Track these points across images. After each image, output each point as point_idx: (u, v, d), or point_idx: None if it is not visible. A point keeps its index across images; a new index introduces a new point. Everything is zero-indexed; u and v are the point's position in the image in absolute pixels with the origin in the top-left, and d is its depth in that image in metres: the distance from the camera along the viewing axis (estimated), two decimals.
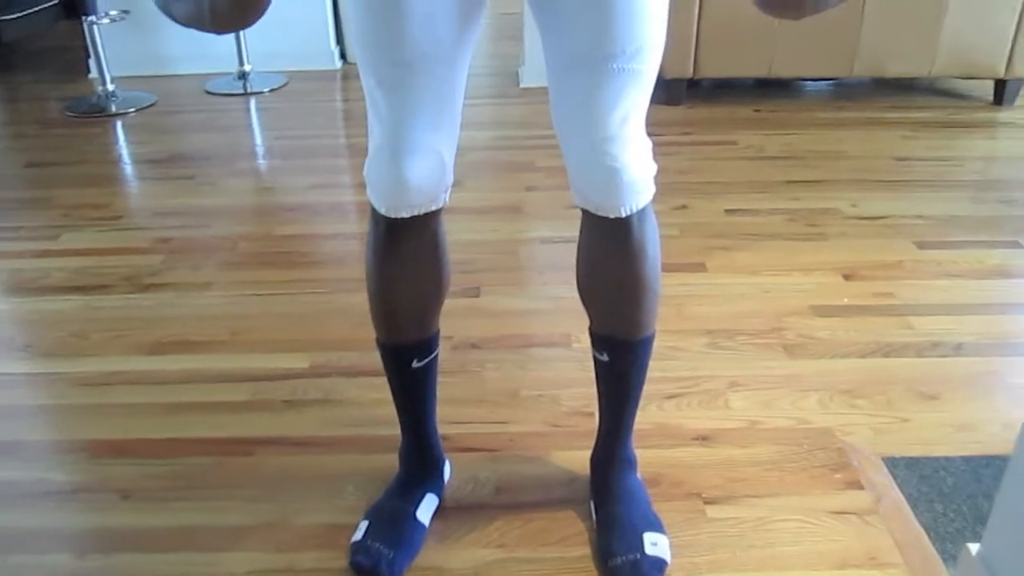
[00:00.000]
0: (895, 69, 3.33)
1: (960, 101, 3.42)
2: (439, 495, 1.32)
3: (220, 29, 0.87)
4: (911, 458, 1.42)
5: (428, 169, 1.03)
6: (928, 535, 1.27)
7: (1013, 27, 3.24)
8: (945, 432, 1.49)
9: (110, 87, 3.61)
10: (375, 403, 1.57)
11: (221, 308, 1.94)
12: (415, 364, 1.21)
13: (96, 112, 3.51)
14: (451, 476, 1.38)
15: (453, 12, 0.98)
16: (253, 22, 0.87)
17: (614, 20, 0.94)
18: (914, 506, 1.32)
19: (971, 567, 1.12)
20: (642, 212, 1.06)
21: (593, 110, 0.99)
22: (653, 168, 1.05)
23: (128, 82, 3.76)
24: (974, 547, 1.13)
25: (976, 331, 1.79)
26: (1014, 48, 3.27)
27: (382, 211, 1.07)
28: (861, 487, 1.35)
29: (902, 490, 1.35)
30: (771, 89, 3.54)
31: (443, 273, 1.17)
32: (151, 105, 3.59)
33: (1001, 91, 3.39)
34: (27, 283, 2.08)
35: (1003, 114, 3.29)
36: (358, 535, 1.24)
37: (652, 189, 1.06)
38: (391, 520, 1.25)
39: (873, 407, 1.55)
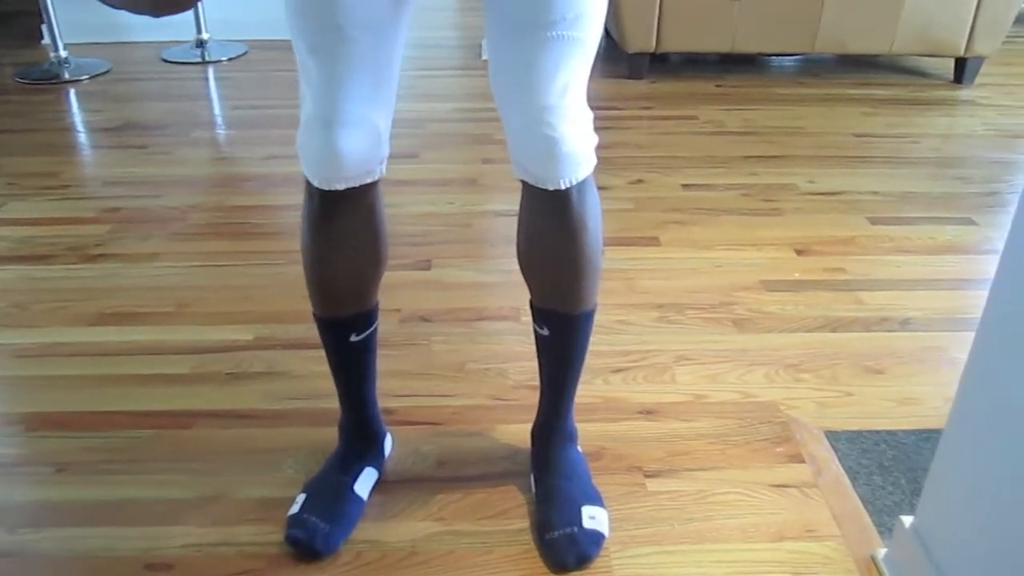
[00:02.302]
0: (856, 46, 3.33)
1: (921, 79, 3.44)
2: (379, 469, 1.31)
3: (157, 11, 0.84)
4: (853, 432, 1.43)
5: (362, 140, 1.01)
6: (866, 508, 1.27)
7: (973, 6, 3.26)
8: (888, 406, 1.50)
9: (63, 54, 3.52)
10: (319, 376, 1.55)
11: (168, 279, 1.91)
12: (353, 338, 1.19)
13: (48, 79, 3.43)
14: (393, 450, 1.36)
15: None
16: (192, 4, 0.84)
17: None
18: (854, 479, 1.33)
19: (904, 539, 1.13)
20: (582, 184, 1.04)
21: (532, 79, 0.96)
22: (594, 140, 1.03)
23: (82, 49, 3.67)
24: (907, 519, 1.14)
25: (924, 306, 1.80)
26: (974, 27, 3.29)
27: (316, 183, 1.05)
28: (802, 460, 1.36)
29: (843, 463, 1.36)
30: (733, 65, 3.54)
31: (380, 246, 1.15)
32: (105, 72, 3.51)
33: (961, 69, 3.41)
34: None
35: (963, 92, 3.30)
36: (295, 509, 1.22)
37: (593, 161, 1.04)
38: (329, 494, 1.23)
39: (818, 381, 1.55)
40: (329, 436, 1.35)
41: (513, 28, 0.96)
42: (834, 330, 1.71)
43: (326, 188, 1.05)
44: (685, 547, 1.20)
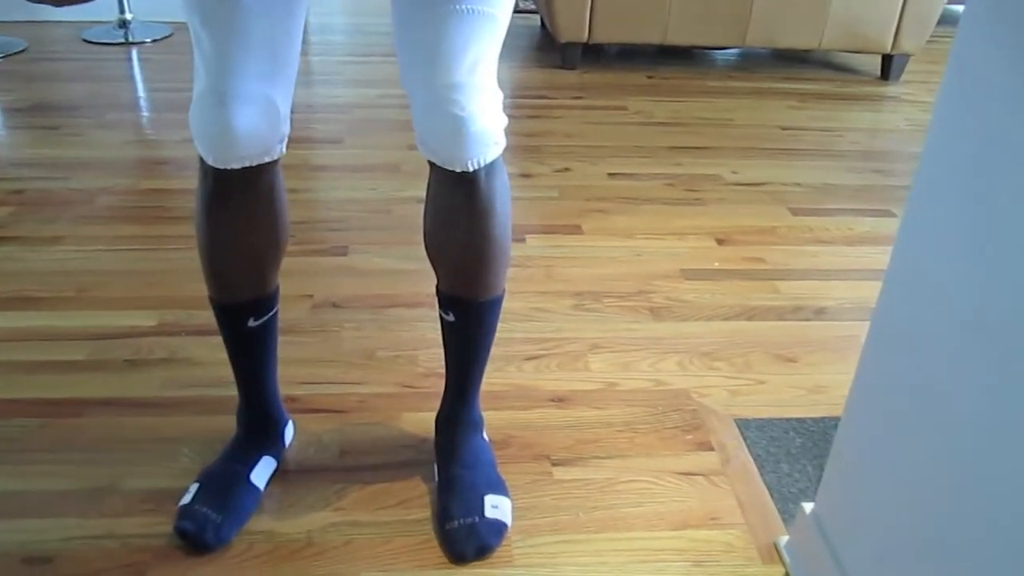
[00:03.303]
0: (786, 40, 3.36)
1: (849, 75, 3.49)
2: (277, 458, 1.26)
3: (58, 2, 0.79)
4: (763, 419, 1.43)
5: (258, 117, 0.96)
6: (771, 495, 1.27)
7: (899, 4, 3.31)
8: (798, 394, 1.50)
9: None
10: (223, 363, 1.46)
11: (70, 264, 1.83)
12: (251, 323, 1.15)
13: None
14: (293, 438, 1.32)
15: None
16: None
17: None
18: (761, 467, 1.33)
19: (804, 525, 1.12)
20: (491, 166, 1.01)
21: (439, 54, 0.93)
22: (503, 121, 1.00)
23: None
24: (808, 506, 1.14)
25: (839, 296, 1.81)
26: (900, 25, 3.35)
27: (209, 162, 1.00)
28: (711, 448, 1.35)
29: (751, 451, 1.36)
30: (668, 57, 3.54)
31: (279, 228, 1.10)
32: (20, 51, 3.37)
33: (888, 66, 3.47)
34: None
35: (889, 88, 3.36)
36: (186, 499, 1.17)
37: (502, 143, 1.01)
38: (222, 483, 1.19)
39: (731, 369, 1.55)
40: (229, 424, 1.30)
41: (419, 0, 0.92)
42: (750, 319, 1.71)
43: (220, 167, 1.00)
44: (587, 535, 1.18)
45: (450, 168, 1.00)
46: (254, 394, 1.24)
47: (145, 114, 2.78)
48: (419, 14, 0.93)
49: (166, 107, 2.83)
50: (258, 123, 0.97)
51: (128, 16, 3.68)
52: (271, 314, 1.18)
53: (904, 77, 3.47)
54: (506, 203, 1.07)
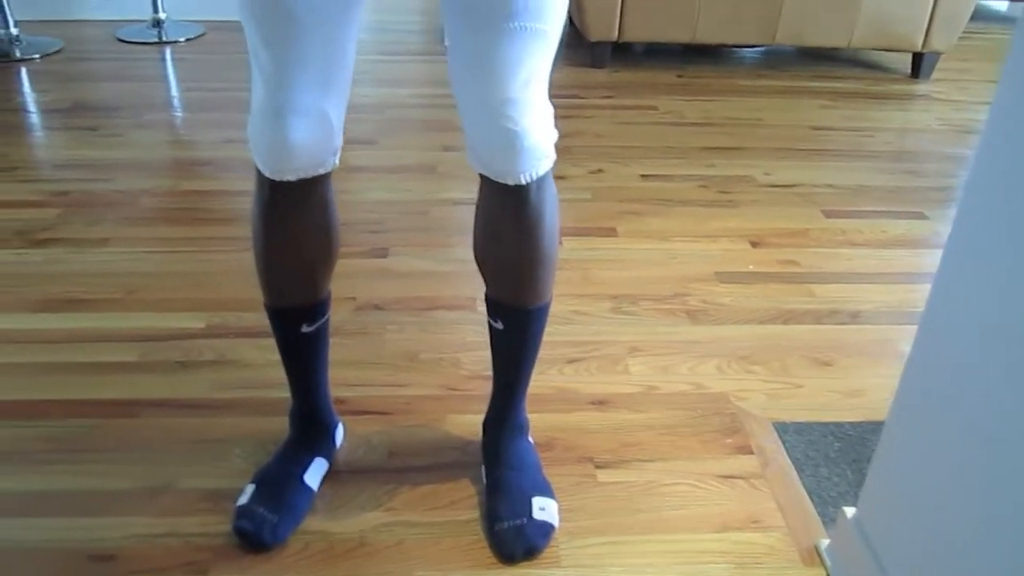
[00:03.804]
0: (816, 39, 3.36)
1: (879, 73, 3.48)
2: (329, 459, 1.30)
3: None
4: (801, 423, 1.45)
5: (313, 131, 0.99)
6: (811, 499, 1.29)
7: (931, 2, 3.30)
8: (836, 398, 1.52)
9: (14, 31, 3.43)
10: (271, 364, 1.53)
11: (117, 265, 1.87)
12: (304, 329, 1.18)
13: None
14: (344, 440, 1.36)
15: None
16: None
17: None
18: (800, 470, 1.35)
19: (846, 530, 1.14)
20: (541, 180, 1.04)
21: (493, 71, 0.95)
22: (554, 135, 1.02)
23: (35, 27, 3.58)
24: (850, 511, 1.16)
25: (874, 299, 1.83)
26: (931, 22, 3.33)
27: (266, 173, 1.03)
28: (751, 452, 1.38)
29: (790, 455, 1.38)
30: (696, 55, 3.55)
31: (332, 237, 1.13)
32: (58, 51, 3.43)
33: (918, 64, 3.46)
34: None
35: (919, 86, 3.35)
36: (243, 499, 1.21)
37: (552, 156, 1.03)
38: (278, 484, 1.22)
39: (769, 373, 1.57)
40: (280, 426, 1.34)
41: (473, 18, 0.94)
42: (785, 322, 1.73)
43: (277, 179, 1.03)
44: (632, 537, 1.21)
45: (502, 181, 1.02)
46: (307, 397, 1.27)
47: (181, 114, 2.83)
48: (473, 33, 0.95)
49: (201, 107, 2.87)
50: (313, 136, 1.00)
51: (162, 16, 3.73)
52: (323, 319, 1.21)
53: (935, 75, 3.46)
54: (554, 214, 1.09)
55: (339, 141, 1.06)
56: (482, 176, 1.05)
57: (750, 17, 3.29)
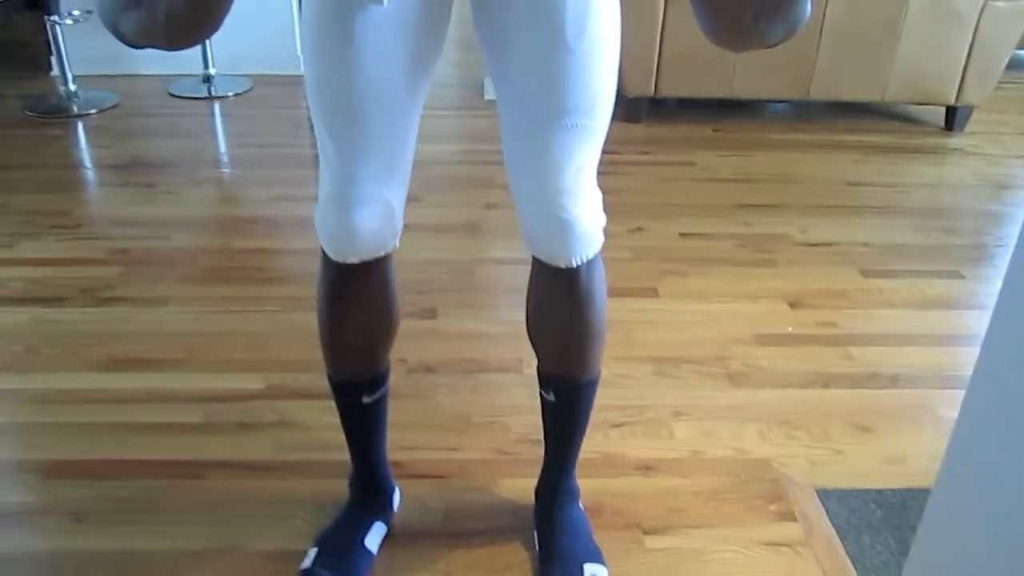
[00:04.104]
0: (850, 94, 3.42)
1: (912, 125, 3.52)
2: (387, 523, 1.36)
3: (174, 44, 0.86)
4: (843, 490, 1.48)
5: (377, 219, 1.06)
6: (855, 566, 1.33)
7: (964, 56, 3.34)
8: (876, 464, 1.55)
9: (72, 87, 3.58)
10: (328, 427, 1.58)
11: (177, 325, 1.96)
12: (365, 399, 1.25)
13: (57, 113, 3.48)
14: (400, 503, 1.41)
15: (403, 66, 1.00)
16: (208, 35, 0.87)
17: (568, 76, 0.98)
18: (843, 538, 1.38)
19: None
20: (591, 261, 1.10)
21: (547, 164, 1.02)
22: (603, 219, 1.09)
23: (90, 81, 3.73)
24: None
25: (912, 363, 1.86)
26: (965, 76, 3.38)
27: (331, 256, 1.10)
28: (794, 518, 1.41)
29: (832, 522, 1.41)
30: (731, 109, 3.61)
31: (392, 313, 1.20)
32: (113, 106, 3.57)
33: (952, 117, 3.50)
34: None
35: (953, 140, 3.39)
36: (306, 563, 1.27)
37: (601, 239, 1.10)
38: (339, 548, 1.28)
39: (810, 438, 1.61)
40: (339, 488, 1.40)
41: (528, 116, 1.02)
42: (825, 386, 1.77)
43: (341, 261, 1.10)
44: None
45: (554, 264, 1.09)
46: (366, 464, 1.33)
47: (232, 171, 2.94)
48: (528, 129, 1.02)
49: (251, 164, 2.98)
50: (376, 224, 1.08)
51: (212, 71, 3.88)
52: (383, 390, 1.28)
53: (969, 127, 3.49)
54: (603, 292, 1.15)
55: (400, 224, 1.13)
56: (534, 258, 1.12)
57: (785, 72, 3.35)
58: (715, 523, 1.40)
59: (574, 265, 1.08)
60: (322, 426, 1.60)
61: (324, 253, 1.13)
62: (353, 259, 1.10)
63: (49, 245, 2.34)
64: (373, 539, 1.31)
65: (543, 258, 1.10)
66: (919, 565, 1.16)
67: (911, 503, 1.45)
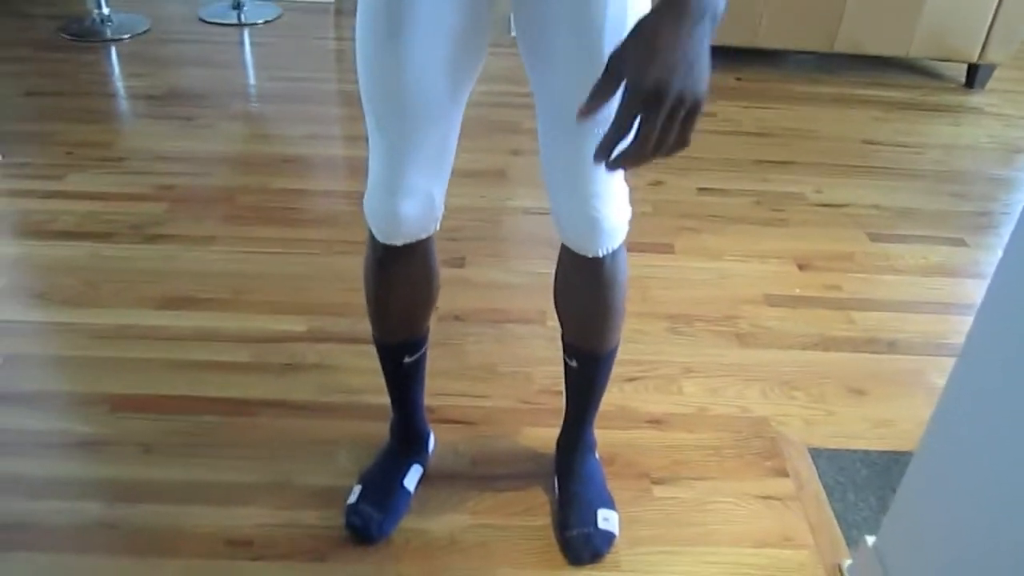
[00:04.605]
0: (873, 48, 3.45)
1: (934, 81, 3.56)
2: (423, 465, 1.51)
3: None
4: (833, 450, 1.63)
5: (420, 208, 1.18)
6: (839, 521, 1.48)
7: (990, 14, 3.36)
8: (866, 427, 1.70)
9: (105, 11, 3.63)
10: (368, 371, 1.72)
11: (222, 265, 2.09)
12: (406, 360, 1.38)
13: (91, 37, 3.54)
14: (435, 447, 1.57)
15: (448, 65, 1.07)
16: None
17: None
18: (830, 494, 1.54)
19: (866, 556, 1.33)
20: (616, 249, 1.22)
21: (581, 168, 1.11)
22: (629, 213, 1.20)
23: (120, 3, 3.77)
24: (871, 539, 1.34)
25: (910, 329, 1.99)
26: (989, 35, 3.40)
27: (378, 238, 1.22)
28: (787, 475, 1.57)
29: (822, 479, 1.57)
30: (755, 57, 3.64)
31: (432, 286, 1.33)
32: (145, 31, 3.63)
33: (973, 75, 3.53)
34: (38, 226, 2.21)
35: (973, 98, 3.44)
36: (352, 498, 1.43)
37: (625, 231, 1.21)
38: (381, 487, 1.44)
39: (807, 399, 1.75)
40: (378, 430, 1.56)
41: (565, 122, 1.10)
42: (826, 349, 1.90)
43: (386, 242, 1.22)
44: (682, 548, 1.41)
45: (582, 254, 1.20)
46: (406, 413, 1.48)
47: (266, 106, 3.03)
48: (563, 134, 1.10)
49: (284, 98, 3.06)
50: (420, 212, 1.19)
51: None
52: (422, 351, 1.42)
53: (989, 85, 3.53)
54: (625, 275, 1.27)
55: (441, 211, 1.23)
56: (563, 243, 1.24)
57: (811, 23, 3.38)
58: (716, 476, 1.56)
59: (600, 255, 1.20)
60: (361, 370, 1.75)
61: (371, 233, 1.24)
62: (397, 241, 1.21)
63: (96, 178, 2.46)
64: (411, 480, 1.47)
65: (572, 247, 1.21)
66: (895, 525, 1.31)
67: (894, 466, 1.60)
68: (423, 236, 1.24)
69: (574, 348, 1.35)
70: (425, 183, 1.16)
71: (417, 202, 1.17)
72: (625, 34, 0.96)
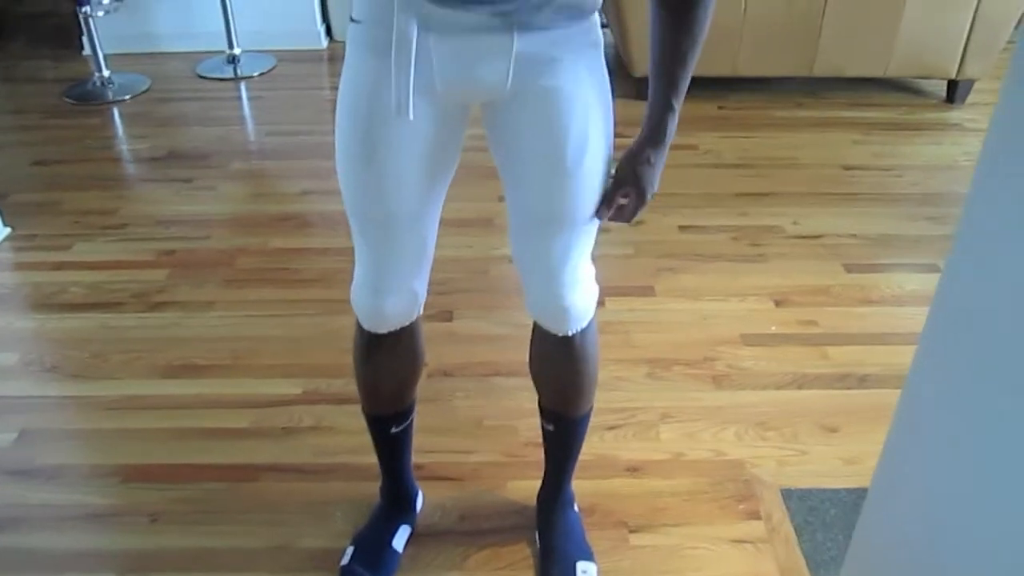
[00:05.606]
0: (853, 69, 3.53)
1: (915, 97, 3.64)
2: (412, 525, 1.61)
3: None
4: (804, 489, 1.71)
5: (403, 304, 1.28)
6: (807, 562, 1.56)
7: (966, 31, 3.44)
8: (836, 464, 1.78)
9: (106, 73, 3.77)
10: (361, 431, 1.79)
11: (223, 330, 2.20)
12: (393, 430, 1.48)
13: (94, 100, 3.68)
14: (423, 504, 1.66)
15: (424, 179, 1.18)
16: None
17: (567, 196, 1.16)
18: (799, 535, 1.62)
19: None
20: (585, 328, 1.31)
21: (549, 263, 1.22)
22: (596, 294, 1.30)
23: (120, 61, 3.90)
24: None
25: (882, 362, 2.07)
26: (966, 50, 3.47)
27: (364, 327, 1.32)
28: (759, 517, 1.65)
29: (792, 520, 1.65)
30: (736, 85, 3.73)
31: (417, 364, 1.43)
32: (146, 91, 3.76)
33: (953, 90, 3.61)
34: (48, 298, 2.33)
35: (953, 114, 3.51)
36: (345, 559, 1.53)
37: (593, 311, 1.31)
38: (372, 548, 1.54)
39: (781, 439, 1.84)
40: (372, 489, 1.65)
41: (533, 222, 1.20)
42: (800, 387, 1.99)
43: (372, 331, 1.32)
44: None
45: (553, 333, 1.30)
46: (393, 477, 1.58)
47: (263, 163, 3.14)
48: (532, 232, 1.21)
49: (282, 155, 3.18)
50: (403, 307, 1.29)
51: (236, 51, 4.04)
52: (409, 421, 1.51)
53: (970, 98, 3.60)
54: (595, 348, 1.37)
55: (424, 299, 1.33)
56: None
57: (789, 49, 3.47)
58: (691, 521, 1.64)
59: (570, 334, 1.30)
60: (355, 431, 1.82)
61: (358, 320, 1.34)
62: (383, 331, 1.32)
63: (101, 247, 2.58)
64: (399, 540, 1.57)
65: (543, 326, 1.31)
66: (855, 562, 1.38)
67: (861, 502, 1.67)
68: (407, 323, 1.33)
69: (550, 413, 1.45)
70: (407, 282, 1.27)
71: (400, 299, 1.27)
72: (586, 152, 1.11)
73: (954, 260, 0.93)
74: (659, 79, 1.14)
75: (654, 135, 1.17)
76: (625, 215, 1.23)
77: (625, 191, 1.20)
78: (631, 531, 1.62)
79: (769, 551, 1.58)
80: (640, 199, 1.21)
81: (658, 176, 1.21)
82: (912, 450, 1.13)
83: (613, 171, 1.21)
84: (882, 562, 1.27)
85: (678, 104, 1.15)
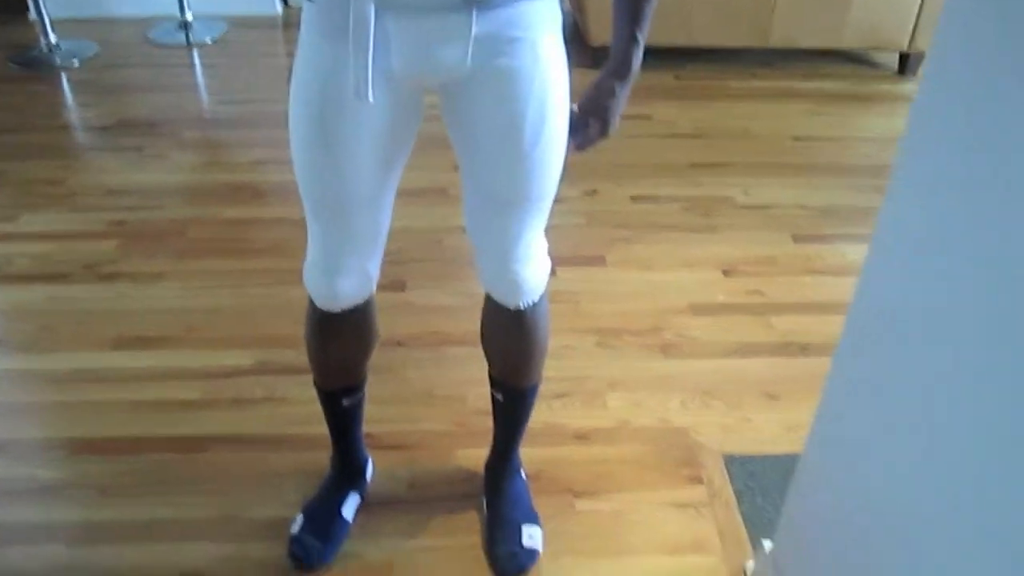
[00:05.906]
0: (807, 41, 3.57)
1: (869, 70, 3.69)
2: (361, 493, 1.63)
3: None
4: (746, 456, 1.76)
5: (356, 284, 1.29)
6: (746, 526, 1.62)
7: (917, 3, 3.48)
8: (778, 431, 1.83)
9: (53, 39, 3.68)
10: (312, 401, 1.81)
11: (174, 301, 2.19)
12: (344, 403, 1.50)
13: (40, 66, 3.60)
14: (373, 473, 1.68)
15: (380, 163, 1.18)
16: None
17: (523, 176, 1.17)
18: (740, 499, 1.67)
19: (763, 562, 1.47)
20: (536, 301, 1.33)
21: (504, 240, 1.24)
22: (548, 267, 1.32)
23: (67, 26, 3.81)
24: (768, 544, 1.48)
25: (823, 331, 2.12)
26: (918, 22, 3.52)
27: (317, 305, 1.33)
28: (701, 482, 1.70)
29: (733, 485, 1.70)
30: (693, 56, 3.74)
31: (370, 340, 1.44)
32: (94, 56, 3.68)
33: (905, 62, 3.66)
34: None
35: (906, 86, 3.57)
36: (295, 528, 1.55)
37: (544, 285, 1.33)
38: (321, 517, 1.56)
39: (725, 407, 1.88)
40: (321, 459, 1.67)
41: (489, 201, 1.21)
42: (744, 356, 2.03)
43: (325, 309, 1.33)
44: (601, 559, 1.54)
45: (504, 306, 1.32)
46: (344, 447, 1.60)
47: (215, 132, 3.10)
48: (488, 210, 1.22)
49: (234, 124, 3.15)
50: (356, 287, 1.30)
51: (189, 18, 3.96)
52: (361, 394, 1.53)
53: (922, 71, 3.65)
54: (546, 320, 1.39)
55: (376, 279, 1.34)
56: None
57: (744, 20, 3.49)
58: (635, 487, 1.68)
59: (521, 308, 1.32)
60: (305, 400, 1.84)
61: (311, 297, 1.34)
62: (335, 309, 1.32)
63: (48, 217, 2.54)
64: (349, 509, 1.59)
65: (496, 299, 1.33)
66: (786, 531, 1.42)
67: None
68: (359, 302, 1.34)
69: (499, 383, 1.47)
70: (360, 262, 1.27)
71: (353, 280, 1.28)
72: (542, 133, 1.12)
73: (880, 234, 1.00)
74: (623, 13, 1.16)
75: (619, 68, 1.21)
76: (585, 144, 1.25)
77: (588, 121, 1.22)
78: (576, 496, 1.66)
79: (710, 514, 1.63)
80: (603, 130, 1.23)
81: (622, 108, 1.23)
82: (840, 416, 1.18)
83: (576, 105, 1.23)
84: (813, 523, 1.32)
85: (642, 37, 1.18)
